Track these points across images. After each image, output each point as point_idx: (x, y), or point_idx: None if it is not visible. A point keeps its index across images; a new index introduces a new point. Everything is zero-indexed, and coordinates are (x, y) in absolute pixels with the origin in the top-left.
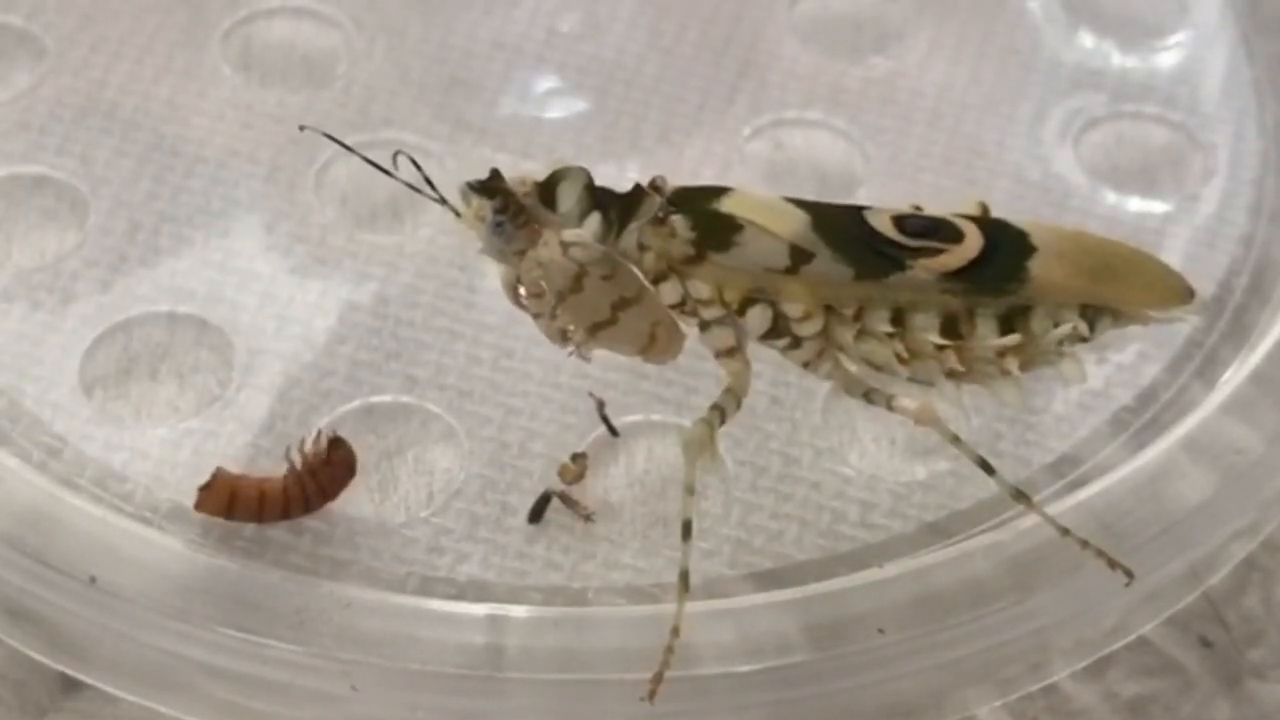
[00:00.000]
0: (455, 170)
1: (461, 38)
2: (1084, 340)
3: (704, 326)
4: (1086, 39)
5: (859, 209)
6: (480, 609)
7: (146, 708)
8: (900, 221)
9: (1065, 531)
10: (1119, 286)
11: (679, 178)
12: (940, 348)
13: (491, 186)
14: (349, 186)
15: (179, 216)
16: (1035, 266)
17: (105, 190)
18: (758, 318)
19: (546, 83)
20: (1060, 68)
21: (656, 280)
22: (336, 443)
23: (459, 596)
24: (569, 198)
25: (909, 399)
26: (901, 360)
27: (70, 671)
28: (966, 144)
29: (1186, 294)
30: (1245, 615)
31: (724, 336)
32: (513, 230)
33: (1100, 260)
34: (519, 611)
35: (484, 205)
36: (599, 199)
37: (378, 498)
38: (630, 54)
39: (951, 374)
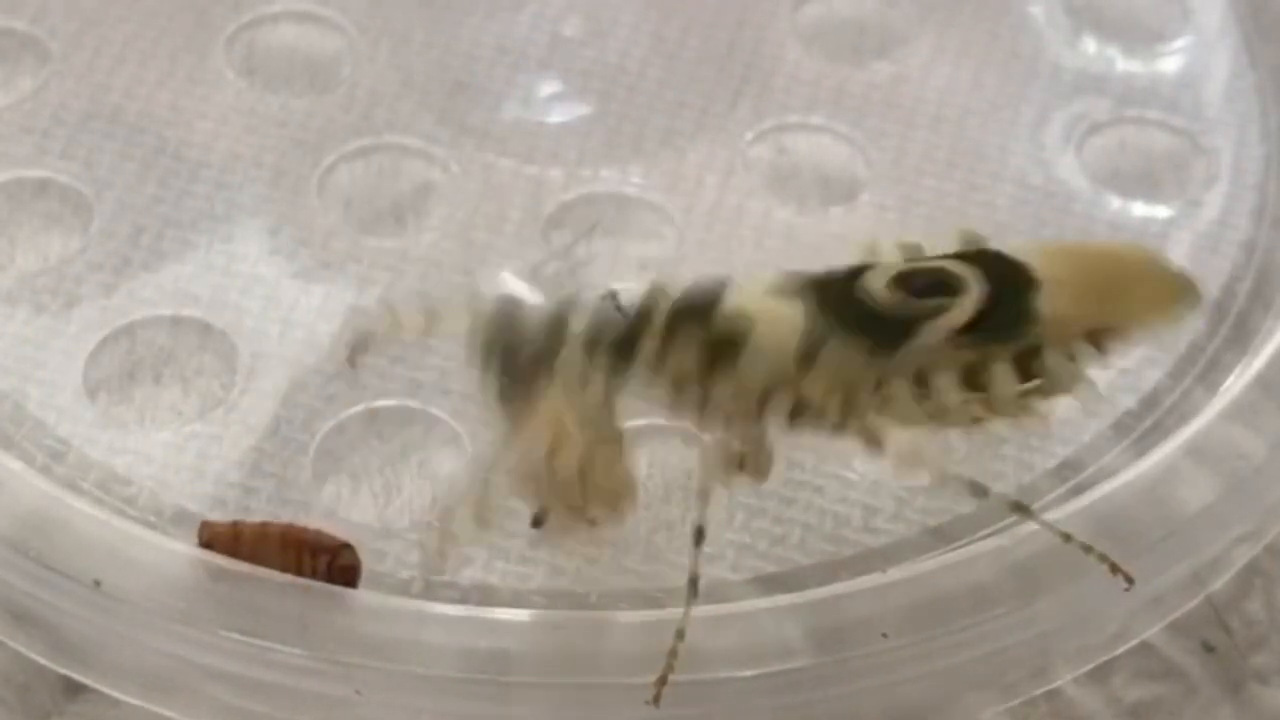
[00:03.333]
0: (459, 175)
1: (465, 42)
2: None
3: (726, 426)
4: (1089, 44)
5: (855, 274)
6: (484, 613)
7: (149, 711)
8: (903, 280)
9: (1067, 538)
10: (1125, 301)
11: (682, 182)
12: (965, 401)
13: (506, 364)
14: (353, 191)
15: (182, 220)
16: (1043, 303)
17: (109, 194)
18: (778, 406)
19: (550, 87)
20: (1063, 73)
21: (671, 405)
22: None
23: (463, 601)
24: (569, 370)
25: (895, 445)
26: (931, 417)
27: (73, 675)
28: (969, 148)
29: (1191, 292)
30: (1248, 620)
31: (747, 432)
32: (517, 404)
33: (1103, 277)
34: (523, 616)
35: (493, 381)
36: (597, 355)
37: (381, 502)
38: (633, 58)
39: (977, 420)
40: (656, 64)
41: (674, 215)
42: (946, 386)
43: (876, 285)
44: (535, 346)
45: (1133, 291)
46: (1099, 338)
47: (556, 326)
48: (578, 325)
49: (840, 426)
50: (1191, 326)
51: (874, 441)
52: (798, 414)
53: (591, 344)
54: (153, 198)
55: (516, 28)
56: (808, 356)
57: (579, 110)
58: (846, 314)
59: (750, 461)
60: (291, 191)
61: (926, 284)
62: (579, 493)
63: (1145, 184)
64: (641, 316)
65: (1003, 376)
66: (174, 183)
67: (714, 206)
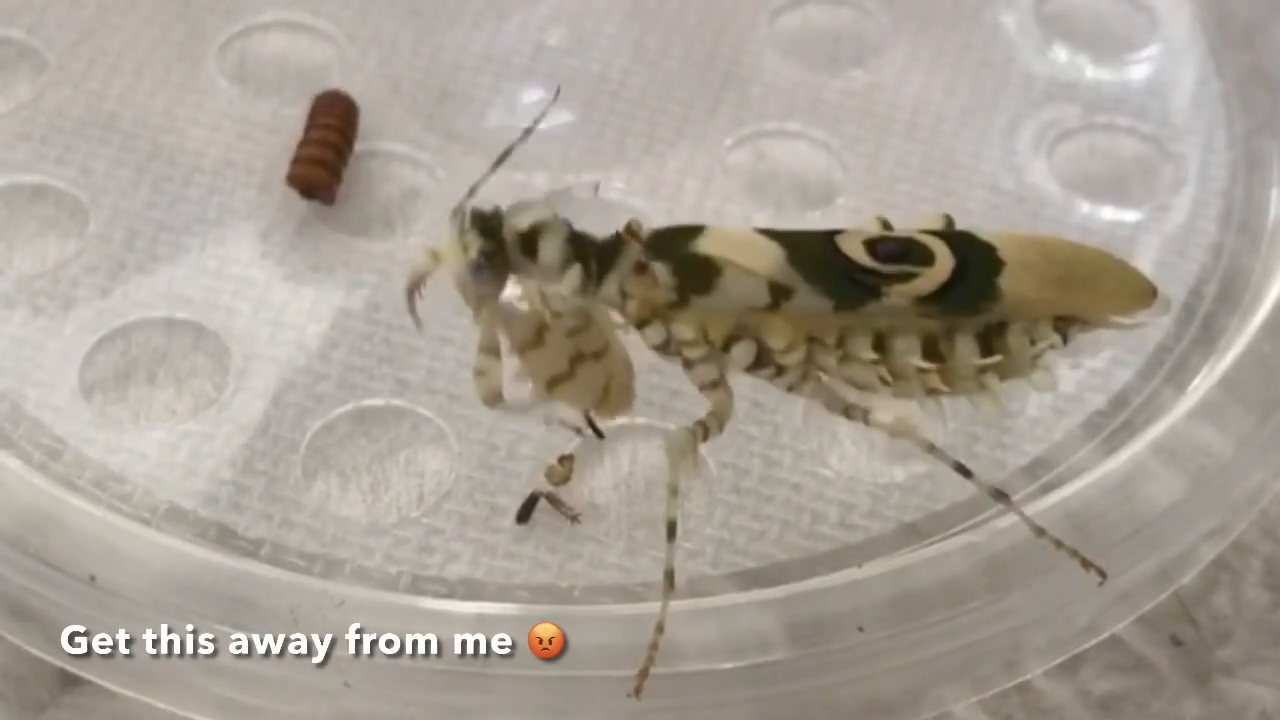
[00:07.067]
0: (446, 181)
1: (451, 51)
2: (1055, 348)
3: (688, 365)
4: (1060, 53)
5: (831, 234)
6: (470, 607)
7: (143, 703)
8: (873, 246)
9: (1040, 531)
10: (1086, 293)
11: (663, 188)
12: (922, 369)
13: (490, 227)
14: (342, 195)
15: (176, 225)
16: (1006, 282)
17: (104, 199)
18: (742, 353)
19: (534, 95)
20: (1034, 80)
21: (640, 325)
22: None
23: (449, 595)
24: (551, 251)
25: (885, 414)
26: (885, 382)
27: (69, 667)
28: (943, 155)
29: (1150, 294)
30: (1215, 614)
31: (708, 373)
32: (489, 275)
33: (1066, 268)
34: (507, 609)
35: (474, 240)
36: (580, 250)
37: (370, 499)
38: (616, 67)
39: (933, 391)
40: (638, 73)
41: (656, 219)
42: (906, 349)
43: (849, 246)
44: (524, 220)
45: (1093, 282)
46: (1062, 328)
47: (548, 214)
48: (564, 224)
49: (795, 389)
50: (1160, 328)
51: (823, 402)
52: (758, 365)
53: (576, 240)
54: (147, 203)
55: (502, 37)
56: (775, 304)
57: (563, 117)
58: (817, 269)
59: (711, 417)
60: (282, 197)
61: (897, 251)
62: (568, 382)
63: (1114, 189)
64: (620, 241)
65: (965, 347)
66: (168, 188)
67: (694, 211)
